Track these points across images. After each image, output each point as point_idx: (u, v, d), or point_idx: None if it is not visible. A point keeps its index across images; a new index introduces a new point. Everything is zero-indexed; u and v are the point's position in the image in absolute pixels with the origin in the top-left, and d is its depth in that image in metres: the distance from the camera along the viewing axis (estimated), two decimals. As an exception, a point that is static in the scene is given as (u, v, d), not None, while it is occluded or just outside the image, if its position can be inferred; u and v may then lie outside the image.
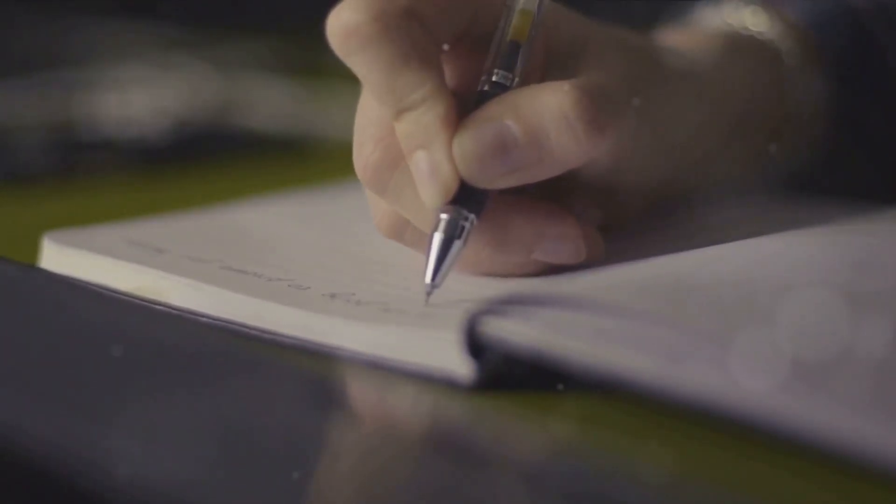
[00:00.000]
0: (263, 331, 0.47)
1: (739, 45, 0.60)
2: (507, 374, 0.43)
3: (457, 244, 0.47)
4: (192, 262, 0.52)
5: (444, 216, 0.47)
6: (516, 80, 0.49)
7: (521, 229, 0.49)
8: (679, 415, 0.39)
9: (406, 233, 0.51)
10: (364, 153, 0.49)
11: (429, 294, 0.47)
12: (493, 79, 0.49)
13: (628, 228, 0.54)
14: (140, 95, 0.91)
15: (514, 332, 0.42)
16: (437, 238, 0.47)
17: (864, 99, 0.63)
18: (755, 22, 0.62)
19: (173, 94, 0.92)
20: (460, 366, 0.43)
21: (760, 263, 0.46)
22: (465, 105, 0.48)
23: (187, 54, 1.04)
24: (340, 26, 0.47)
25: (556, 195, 0.51)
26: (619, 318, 0.41)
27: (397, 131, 0.48)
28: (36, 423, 0.40)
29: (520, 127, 0.47)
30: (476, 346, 0.43)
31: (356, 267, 0.52)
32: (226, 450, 0.38)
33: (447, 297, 0.48)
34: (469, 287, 0.49)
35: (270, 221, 0.59)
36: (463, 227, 0.47)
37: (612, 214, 0.53)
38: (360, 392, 0.45)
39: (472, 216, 0.47)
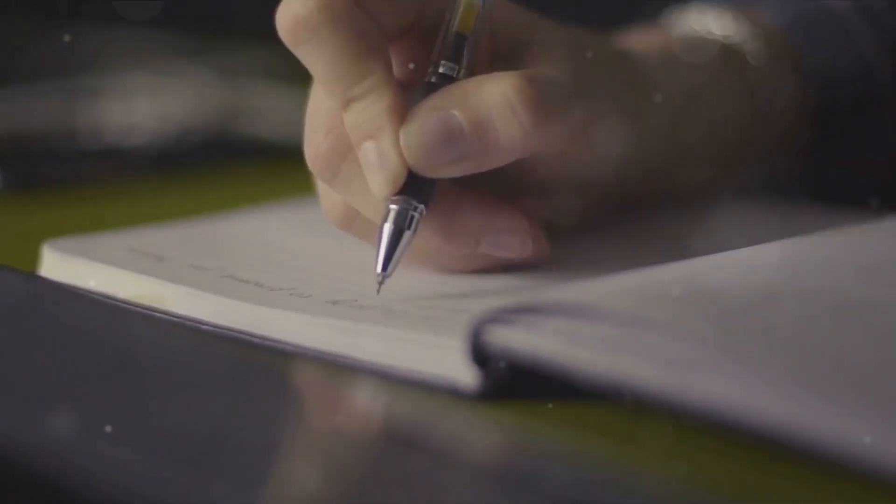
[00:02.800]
0: (265, 338, 0.47)
1: (702, 49, 0.60)
2: (511, 382, 0.43)
3: (407, 234, 0.48)
4: (194, 270, 0.52)
5: (393, 207, 0.48)
6: (462, 71, 0.49)
7: (469, 220, 0.50)
8: (684, 423, 0.39)
9: (355, 223, 0.51)
10: (314, 143, 0.50)
11: (380, 284, 0.48)
12: (440, 70, 0.49)
13: (585, 229, 0.55)
14: (145, 103, 0.90)
15: (519, 340, 0.42)
16: (388, 228, 0.48)
17: (843, 98, 0.63)
18: (720, 26, 0.62)
19: (178, 101, 0.92)
20: (465, 374, 0.43)
21: (763, 271, 0.46)
22: (412, 96, 0.49)
23: (192, 62, 1.04)
24: (288, 16, 0.48)
25: (505, 192, 0.51)
26: (624, 326, 0.41)
27: (345, 122, 0.48)
28: (35, 432, 0.40)
29: (465, 116, 0.48)
30: (481, 354, 0.43)
31: (358, 275, 0.52)
32: (227, 457, 0.38)
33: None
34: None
35: (272, 230, 0.59)
36: (412, 218, 0.48)
37: (564, 213, 0.54)
38: (361, 400, 0.45)
39: (421, 206, 0.48)
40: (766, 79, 0.62)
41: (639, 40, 0.61)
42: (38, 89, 0.94)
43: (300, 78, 0.50)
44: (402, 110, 0.48)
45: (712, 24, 0.63)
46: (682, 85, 0.57)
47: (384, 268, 0.48)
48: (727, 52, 0.62)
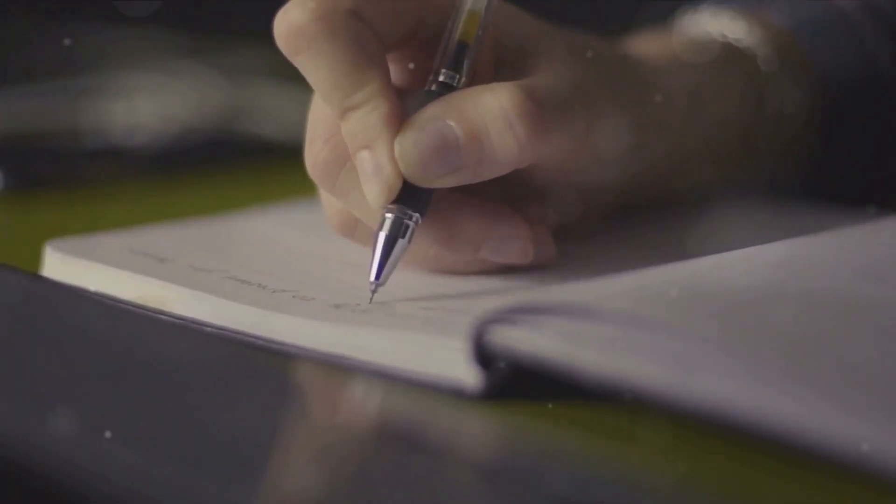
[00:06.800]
0: (267, 340, 0.47)
1: (712, 53, 0.60)
2: (513, 383, 0.43)
3: (401, 243, 0.48)
4: (196, 271, 0.52)
5: (388, 215, 0.48)
6: (463, 80, 0.49)
7: (468, 228, 0.50)
8: (684, 423, 0.39)
9: (357, 230, 0.51)
10: (314, 150, 0.50)
11: (373, 292, 0.48)
12: (440, 79, 0.49)
13: (591, 232, 0.55)
14: (147, 102, 0.90)
15: (521, 341, 0.42)
16: (382, 237, 0.48)
17: (853, 101, 0.63)
18: (733, 29, 0.62)
19: (180, 101, 0.92)
20: (467, 375, 0.43)
21: (764, 271, 0.46)
22: (410, 105, 0.49)
23: (194, 61, 1.03)
24: (286, 26, 0.48)
25: (508, 197, 0.51)
26: (625, 326, 0.41)
27: (342, 130, 0.49)
28: (35, 432, 0.40)
29: (461, 127, 0.48)
30: (483, 355, 0.43)
31: (361, 277, 0.51)
32: (228, 458, 0.38)
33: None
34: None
35: (275, 231, 0.59)
36: (407, 226, 0.48)
37: (568, 218, 0.54)
38: (364, 402, 0.45)
39: (416, 215, 0.48)
40: (775, 82, 0.61)
41: (648, 43, 0.61)
42: (40, 89, 0.94)
43: (302, 77, 0.50)
44: (399, 120, 0.48)
45: (723, 27, 0.63)
46: (688, 88, 0.57)
47: (377, 276, 0.48)
48: (736, 55, 0.61)
